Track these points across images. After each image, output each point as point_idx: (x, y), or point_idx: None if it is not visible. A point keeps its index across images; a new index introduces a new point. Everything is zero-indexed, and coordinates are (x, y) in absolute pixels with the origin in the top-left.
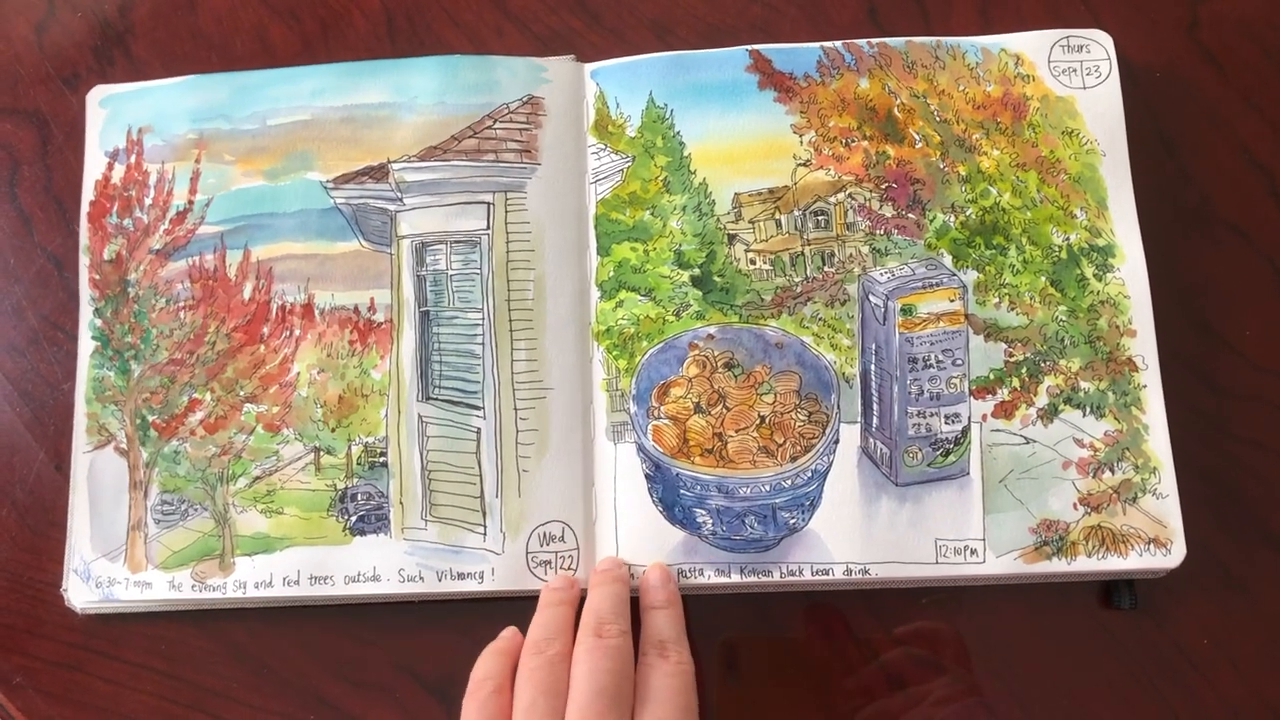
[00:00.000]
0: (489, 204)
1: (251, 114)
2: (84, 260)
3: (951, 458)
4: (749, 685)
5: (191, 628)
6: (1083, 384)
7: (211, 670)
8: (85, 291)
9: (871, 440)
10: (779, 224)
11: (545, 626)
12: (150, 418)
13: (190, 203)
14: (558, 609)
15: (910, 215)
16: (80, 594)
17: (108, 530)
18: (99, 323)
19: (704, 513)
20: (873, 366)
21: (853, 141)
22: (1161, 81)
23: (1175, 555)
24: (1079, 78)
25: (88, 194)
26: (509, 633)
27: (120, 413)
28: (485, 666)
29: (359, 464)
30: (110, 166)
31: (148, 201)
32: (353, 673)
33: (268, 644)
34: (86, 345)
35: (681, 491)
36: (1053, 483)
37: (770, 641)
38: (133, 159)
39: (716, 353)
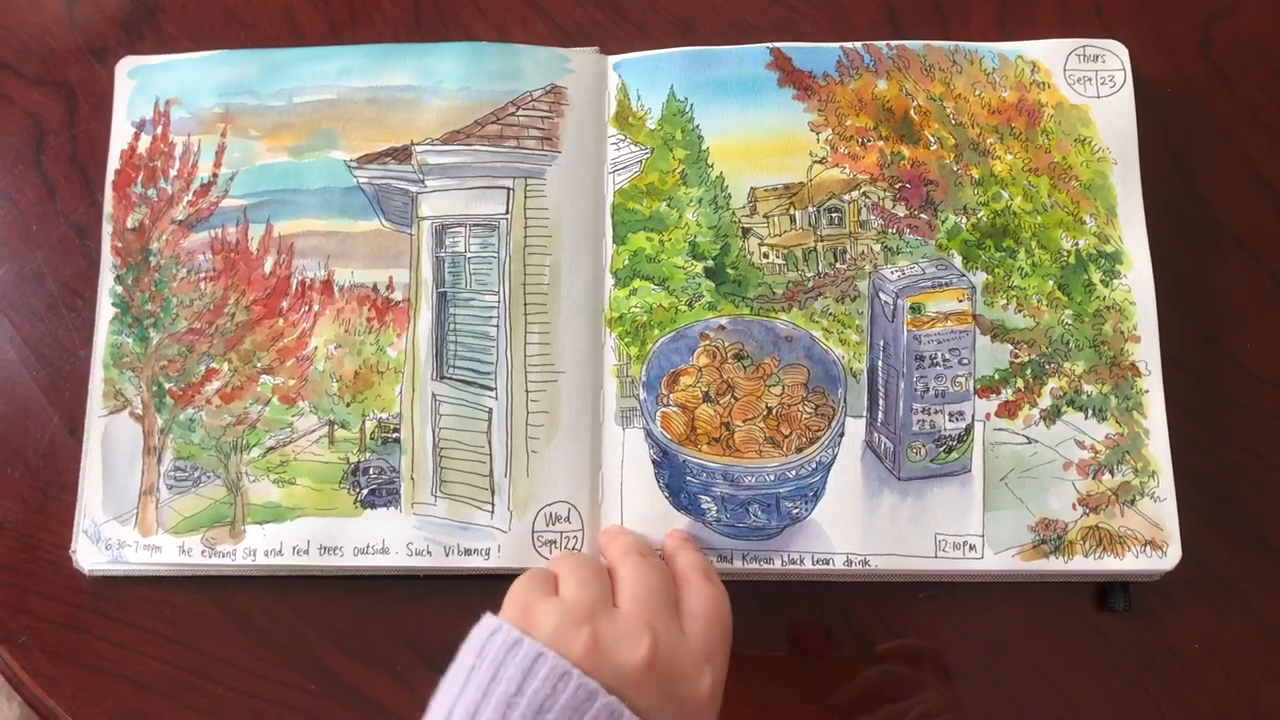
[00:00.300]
0: (509, 189)
1: (278, 90)
2: (107, 228)
3: (954, 455)
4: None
5: (197, 594)
6: (1086, 387)
7: (215, 637)
8: (107, 258)
9: (876, 435)
10: (793, 219)
11: (576, 559)
12: (167, 385)
13: (215, 175)
14: (581, 555)
15: (922, 215)
16: (89, 555)
17: (119, 494)
18: (120, 289)
19: (709, 500)
20: (880, 362)
21: (869, 141)
22: (1172, 96)
23: (1171, 558)
24: (1094, 87)
25: (113, 163)
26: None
27: (137, 379)
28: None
29: (372, 439)
30: (136, 136)
31: (172, 173)
32: (355, 644)
33: (272, 613)
34: (106, 311)
35: (687, 478)
36: (1053, 483)
37: (750, 657)
38: (159, 130)
39: (727, 343)
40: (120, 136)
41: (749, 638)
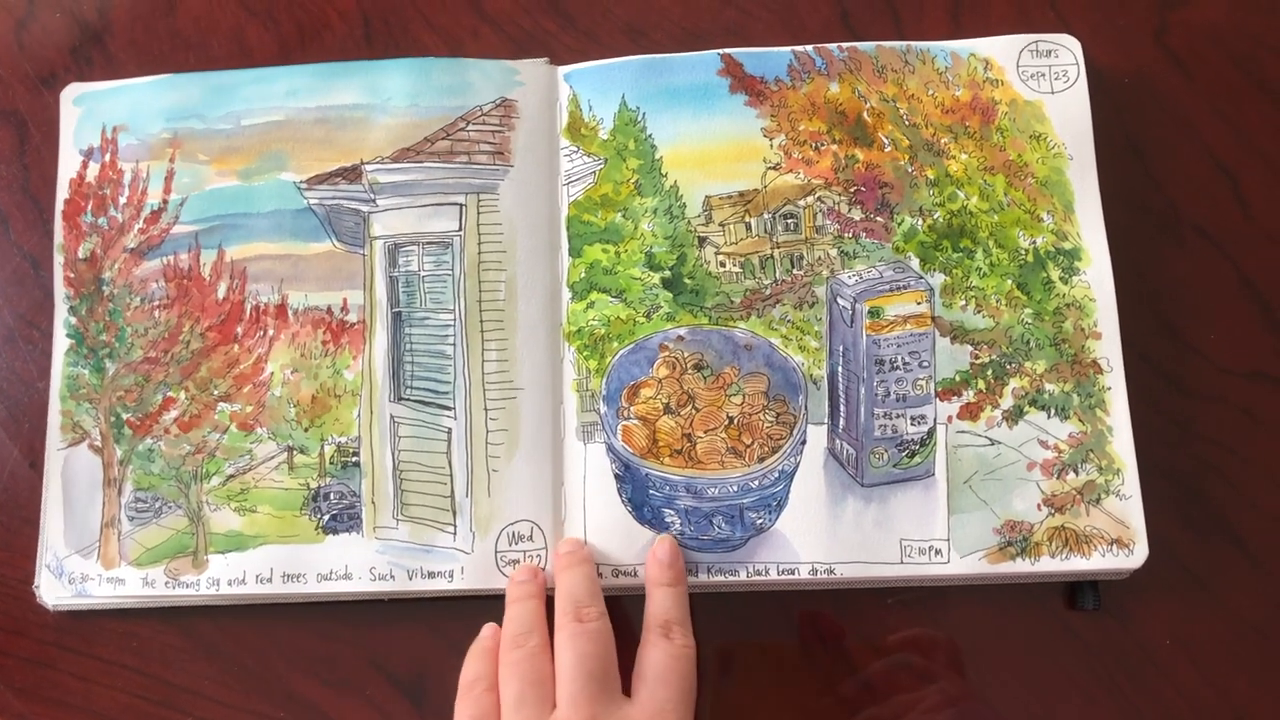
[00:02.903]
0: (461, 205)
1: (226, 114)
2: (58, 258)
3: (917, 459)
4: (738, 690)
5: (163, 625)
6: (1048, 386)
7: (183, 667)
8: (60, 289)
9: (838, 441)
10: (749, 227)
11: (519, 620)
12: (125, 415)
13: (164, 202)
14: (528, 603)
15: (878, 218)
16: (52, 590)
17: (81, 527)
18: (74, 320)
19: (672, 513)
20: (840, 368)
21: (822, 145)
22: (1129, 87)
23: (1137, 556)
24: (1047, 82)
25: (62, 192)
26: (490, 630)
27: (94, 410)
28: (473, 668)
29: (332, 463)
30: (85, 165)
31: (122, 200)
32: (324, 670)
33: (239, 641)
34: (61, 343)
35: (650, 492)
36: (1017, 484)
37: (761, 646)
38: (107, 157)
39: (686, 354)
40: (68, 165)
41: (720, 648)
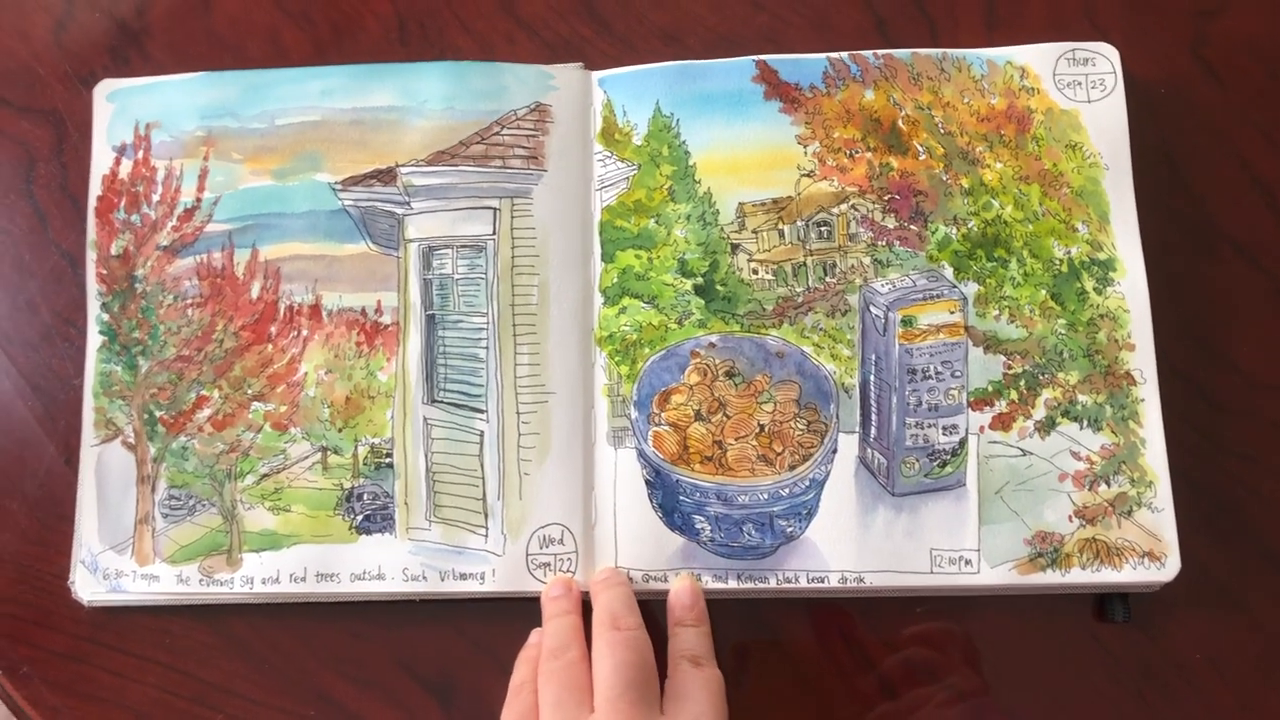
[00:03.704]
0: (495, 209)
1: (260, 113)
2: (91, 255)
3: (948, 469)
4: (754, 690)
5: (195, 622)
6: (1081, 397)
7: (214, 664)
8: (92, 286)
9: (869, 450)
10: (782, 234)
11: (557, 635)
12: (158, 413)
13: (198, 200)
14: (564, 619)
15: (912, 227)
16: (87, 586)
17: (115, 523)
18: (106, 317)
19: (702, 519)
20: (872, 377)
21: (857, 153)
22: (1165, 97)
23: (1169, 569)
24: (1084, 91)
25: (95, 189)
26: (536, 636)
27: (128, 407)
28: (521, 672)
29: (365, 464)
30: (118, 161)
31: (155, 198)
32: (353, 669)
33: (270, 639)
34: (94, 340)
35: (681, 498)
36: (1048, 495)
37: (776, 644)
38: (140, 154)
39: (718, 361)
40: (101, 162)
41: (744, 654)
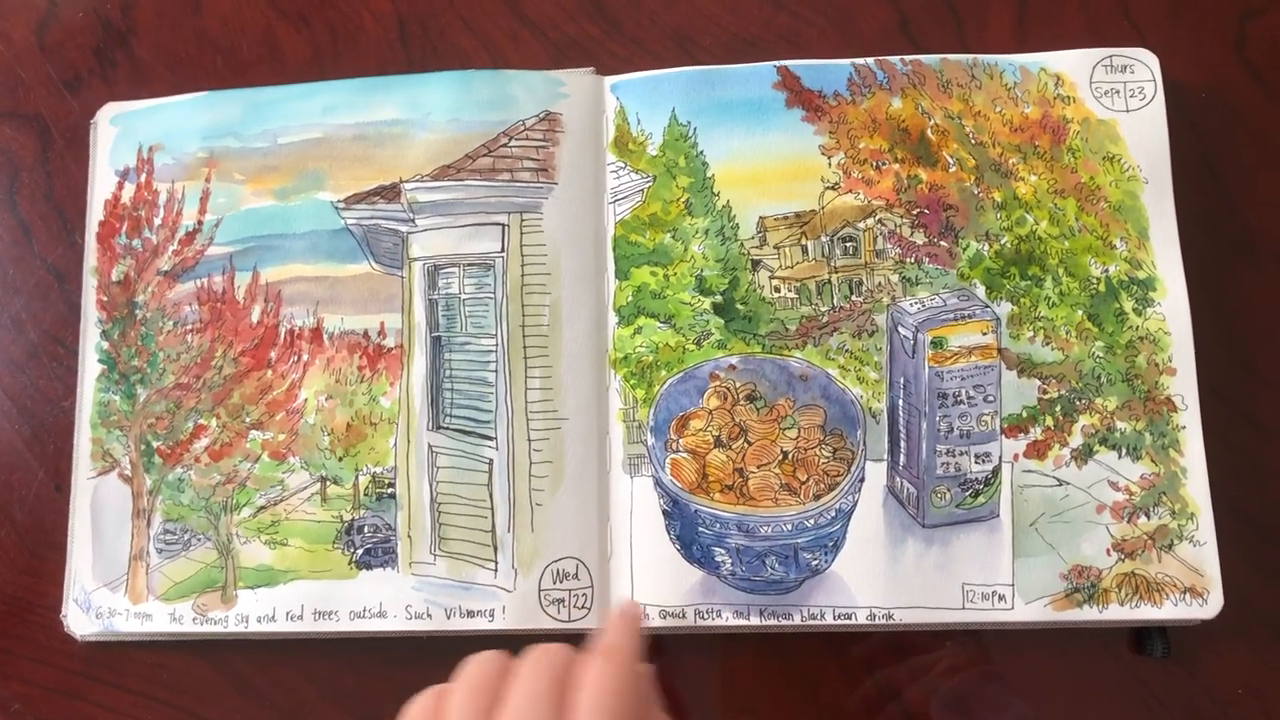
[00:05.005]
0: (504, 225)
1: (262, 131)
2: (91, 281)
3: (981, 499)
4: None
5: (194, 657)
6: (1119, 424)
7: (213, 700)
8: (92, 314)
9: (898, 479)
10: (805, 250)
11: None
12: (155, 444)
13: (200, 223)
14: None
15: (942, 243)
16: (80, 624)
17: (109, 559)
18: (106, 345)
19: (723, 552)
20: (901, 402)
21: (884, 164)
22: (1206, 102)
23: (1212, 606)
24: (1122, 100)
25: (96, 214)
26: None
27: (125, 438)
28: None
29: (366, 495)
30: (120, 185)
31: (157, 221)
32: (356, 706)
33: (270, 675)
34: (92, 369)
35: (700, 529)
36: (1086, 527)
37: (800, 681)
38: (143, 178)
39: (738, 384)
40: (104, 186)
41: (767, 689)
